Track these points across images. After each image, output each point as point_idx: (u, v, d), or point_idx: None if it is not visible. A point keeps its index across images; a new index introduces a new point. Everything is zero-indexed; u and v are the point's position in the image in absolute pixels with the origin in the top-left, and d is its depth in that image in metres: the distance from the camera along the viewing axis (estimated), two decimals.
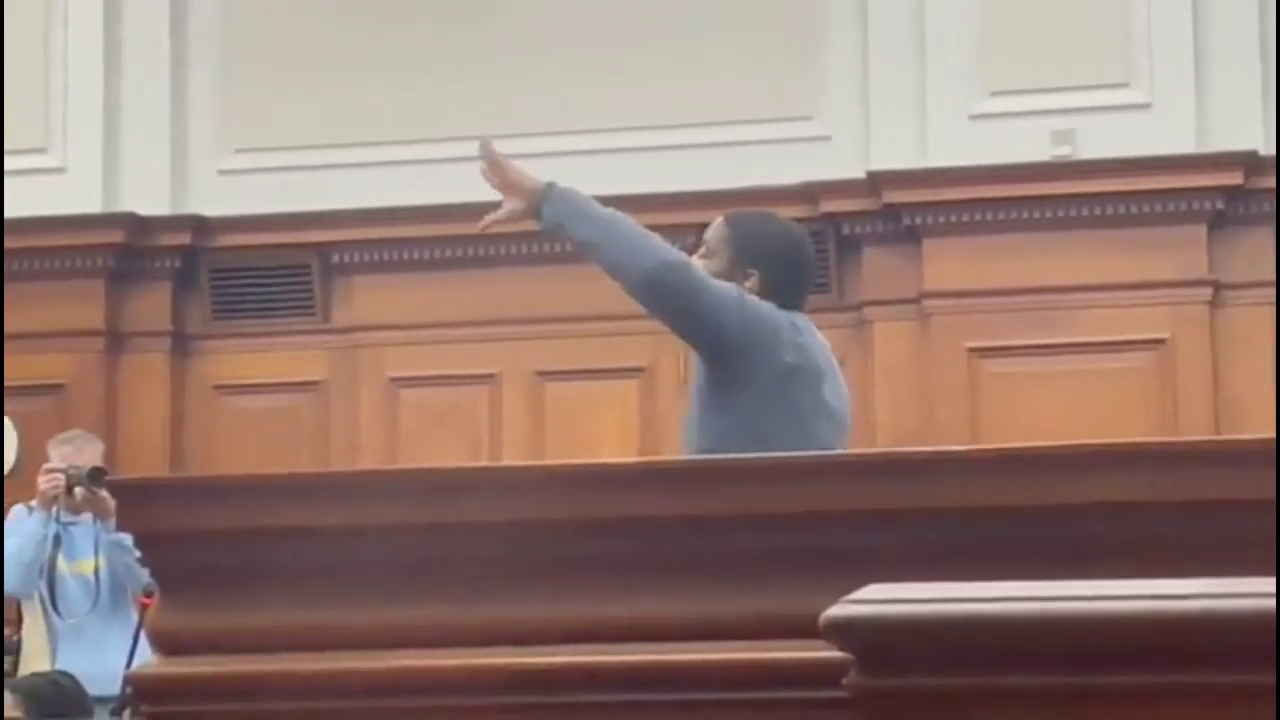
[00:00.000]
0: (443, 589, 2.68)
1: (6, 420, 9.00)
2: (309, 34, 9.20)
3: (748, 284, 4.38)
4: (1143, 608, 1.66)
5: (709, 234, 4.50)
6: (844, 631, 1.75)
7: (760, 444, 3.85)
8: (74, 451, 7.17)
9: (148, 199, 9.16)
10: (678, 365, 8.11)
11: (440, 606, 2.68)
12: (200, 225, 9.16)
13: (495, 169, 4.47)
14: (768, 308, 4.30)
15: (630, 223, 4.30)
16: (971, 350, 8.44)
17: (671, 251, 4.26)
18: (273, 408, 9.10)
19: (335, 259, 9.14)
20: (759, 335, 4.22)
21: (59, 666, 6.77)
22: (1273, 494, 2.40)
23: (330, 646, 2.68)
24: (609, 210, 4.34)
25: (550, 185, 4.42)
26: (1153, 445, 3.01)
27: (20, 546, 7.04)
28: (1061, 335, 8.36)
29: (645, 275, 4.21)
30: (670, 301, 4.24)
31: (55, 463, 7.09)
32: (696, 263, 4.43)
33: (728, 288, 4.25)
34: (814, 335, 4.40)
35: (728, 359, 4.22)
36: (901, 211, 8.55)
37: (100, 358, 9.13)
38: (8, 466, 8.95)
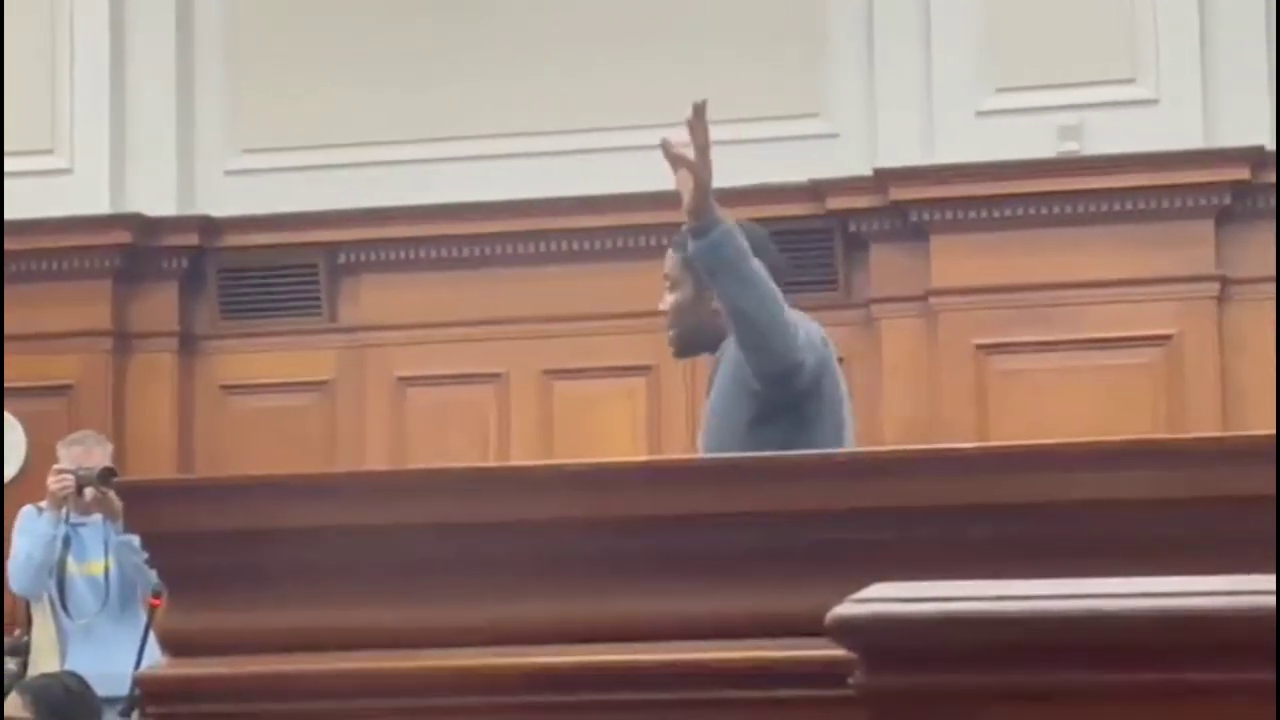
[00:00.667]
0: (450, 589, 2.69)
1: (15, 421, 9.01)
2: (314, 35, 9.20)
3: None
4: (1148, 605, 1.66)
5: (667, 267, 4.46)
6: (850, 630, 1.76)
7: None
8: (83, 452, 7.17)
9: (155, 200, 9.16)
10: (684, 364, 8.11)
11: (448, 606, 2.68)
12: (207, 225, 9.16)
13: (695, 139, 4.15)
14: (817, 339, 4.28)
15: (779, 302, 4.15)
16: (979, 347, 8.44)
17: (801, 350, 4.17)
18: (280, 407, 9.10)
19: (342, 259, 9.15)
20: (818, 382, 4.23)
21: (68, 667, 6.77)
22: (1270, 489, 2.40)
23: (339, 647, 2.69)
24: (765, 278, 4.16)
25: (718, 222, 4.14)
26: (1158, 442, 3.01)
27: (30, 547, 7.04)
28: (1068, 331, 8.35)
29: (778, 372, 4.15)
30: (780, 391, 4.19)
31: (65, 464, 7.09)
32: (666, 300, 4.43)
33: (803, 347, 4.19)
34: (830, 343, 4.41)
35: (788, 400, 4.20)
36: (908, 208, 8.55)
37: (108, 358, 9.14)
38: (17, 467, 8.95)
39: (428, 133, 8.99)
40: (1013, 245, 8.44)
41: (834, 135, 8.78)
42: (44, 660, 7.07)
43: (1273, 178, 8.25)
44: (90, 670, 6.41)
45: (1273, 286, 8.25)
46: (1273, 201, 8.29)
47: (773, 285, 4.16)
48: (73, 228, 9.04)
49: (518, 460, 8.23)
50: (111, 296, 9.14)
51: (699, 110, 4.13)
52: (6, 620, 8.04)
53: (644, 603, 2.62)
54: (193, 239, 9.16)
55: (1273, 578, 1.64)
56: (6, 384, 8.88)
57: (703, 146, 4.11)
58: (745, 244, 4.15)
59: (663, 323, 4.50)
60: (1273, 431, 2.56)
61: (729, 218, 4.20)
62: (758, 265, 4.14)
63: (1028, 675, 1.68)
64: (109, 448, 7.36)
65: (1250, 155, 8.28)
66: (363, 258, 9.12)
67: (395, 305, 9.07)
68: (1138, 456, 2.63)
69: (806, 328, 4.27)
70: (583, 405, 8.82)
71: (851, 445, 4.30)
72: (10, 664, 7.60)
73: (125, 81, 9.25)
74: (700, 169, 4.10)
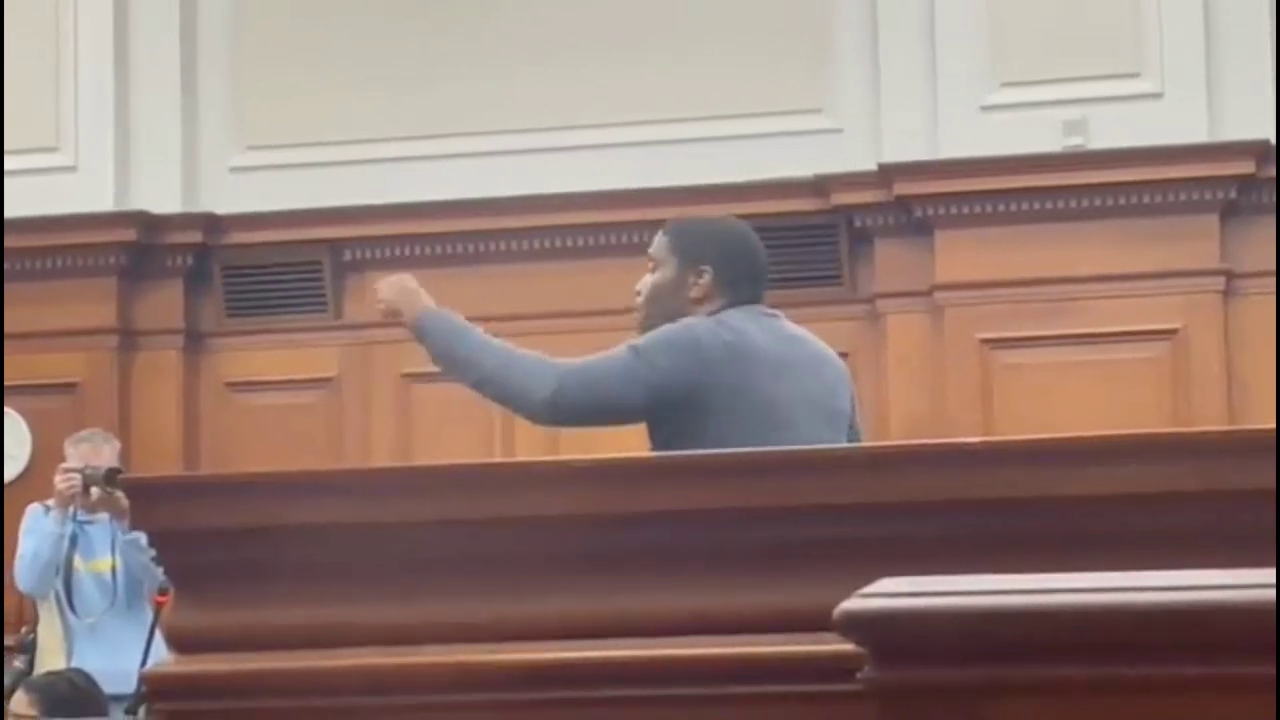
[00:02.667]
0: (457, 585, 2.69)
1: (20, 419, 9.01)
2: (318, 32, 9.20)
3: (701, 281, 4.31)
4: (1156, 600, 1.66)
5: (654, 248, 4.41)
6: (858, 625, 1.75)
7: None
8: (91, 450, 7.18)
9: (159, 197, 9.17)
10: None
11: (455, 602, 2.68)
12: (212, 223, 9.17)
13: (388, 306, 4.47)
14: (671, 334, 4.18)
15: (510, 355, 4.25)
16: (984, 341, 8.44)
17: (554, 374, 4.20)
18: (286, 404, 9.10)
19: (347, 255, 9.15)
20: (682, 372, 4.11)
21: (75, 664, 6.78)
22: (1270, 483, 2.40)
23: (345, 643, 2.69)
24: (490, 342, 4.30)
25: (425, 312, 4.43)
26: (1164, 436, 3.01)
27: (37, 546, 7.05)
28: (1074, 326, 8.35)
29: (539, 410, 4.19)
30: (573, 419, 4.22)
31: (72, 462, 7.09)
32: (644, 281, 4.39)
33: (618, 355, 4.17)
34: (761, 322, 4.26)
35: (665, 415, 4.13)
36: (913, 203, 8.55)
37: (113, 356, 9.14)
38: (22, 465, 8.95)
39: (432, 129, 9.00)
40: (1017, 240, 8.44)
41: (838, 130, 8.78)
42: (50, 658, 7.08)
43: (1276, 171, 8.25)
44: (97, 667, 6.41)
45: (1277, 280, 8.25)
46: (1278, 195, 8.29)
47: (503, 347, 4.26)
48: (77, 225, 9.04)
49: (523, 456, 8.23)
50: (116, 294, 9.15)
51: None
52: (13, 618, 8.05)
53: (649, 598, 2.62)
54: (197, 236, 9.16)
55: (1273, 571, 1.64)
56: (12, 382, 8.88)
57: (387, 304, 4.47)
58: (450, 325, 4.36)
59: (636, 303, 4.44)
60: (1269, 425, 2.56)
61: (435, 313, 4.43)
62: (472, 341, 4.31)
63: (1036, 669, 1.68)
64: (116, 446, 7.36)
65: (1255, 149, 8.27)
66: (368, 254, 9.12)
67: None
68: (1143, 451, 2.62)
69: (677, 354, 4.14)
70: None
71: (786, 413, 4.13)
72: (17, 662, 7.61)
73: (129, 78, 9.25)
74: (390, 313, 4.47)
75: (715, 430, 4.03)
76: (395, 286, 4.48)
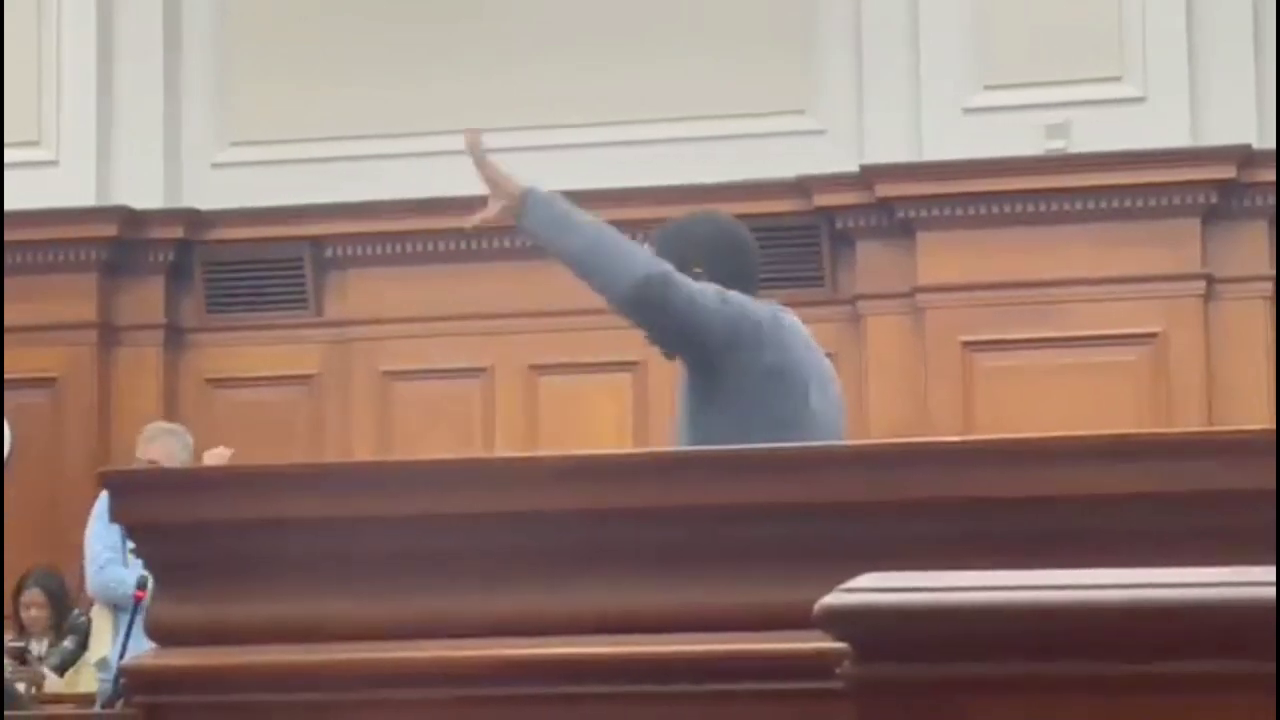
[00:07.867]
0: (436, 581, 2.68)
1: None
2: (303, 28, 9.20)
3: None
4: (1140, 596, 1.66)
5: None
6: (839, 621, 1.75)
7: None
8: (179, 446, 7.21)
9: (141, 192, 9.15)
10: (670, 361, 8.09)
11: (435, 597, 2.68)
12: (193, 218, 9.15)
13: (479, 165, 4.37)
14: (750, 304, 4.16)
15: (610, 234, 4.14)
16: (965, 344, 8.45)
17: (653, 263, 4.10)
18: (266, 401, 9.09)
19: (328, 252, 9.14)
20: (742, 335, 4.09)
21: (131, 649, 6.82)
22: (1268, 484, 2.41)
23: (324, 638, 2.68)
24: (589, 220, 4.19)
25: (529, 191, 4.26)
26: (1146, 437, 3.01)
27: (107, 560, 7.05)
28: (1055, 329, 8.36)
29: (627, 292, 4.05)
30: (654, 316, 4.08)
31: (159, 459, 7.07)
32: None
33: (708, 291, 4.11)
34: (798, 332, 4.26)
35: (713, 365, 4.08)
36: (895, 205, 8.56)
37: (93, 351, 9.12)
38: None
39: (415, 127, 8.99)
40: (999, 242, 8.45)
41: (821, 132, 8.79)
42: (100, 642, 7.15)
43: (1259, 176, 8.28)
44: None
45: (1258, 285, 8.28)
46: (1258, 200, 8.32)
47: (602, 225, 4.18)
48: (59, 220, 9.03)
49: (502, 453, 8.23)
50: (97, 289, 9.14)
51: (471, 140, 4.50)
52: (70, 599, 8.06)
53: (633, 594, 2.61)
54: (179, 232, 9.15)
55: (1272, 569, 1.63)
56: None
57: (481, 162, 4.47)
58: (554, 196, 4.25)
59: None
60: (1269, 426, 2.57)
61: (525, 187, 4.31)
62: (577, 212, 4.22)
63: (1020, 666, 1.68)
64: (188, 441, 7.34)
65: (1236, 154, 8.30)
66: (349, 252, 9.12)
67: (381, 299, 9.07)
68: (1129, 450, 2.63)
69: (741, 301, 4.13)
70: (568, 400, 8.82)
71: (812, 428, 4.13)
72: (66, 642, 7.88)
73: (112, 74, 9.24)
74: (488, 179, 4.41)
75: (764, 392, 4.03)
76: (484, 167, 4.43)
